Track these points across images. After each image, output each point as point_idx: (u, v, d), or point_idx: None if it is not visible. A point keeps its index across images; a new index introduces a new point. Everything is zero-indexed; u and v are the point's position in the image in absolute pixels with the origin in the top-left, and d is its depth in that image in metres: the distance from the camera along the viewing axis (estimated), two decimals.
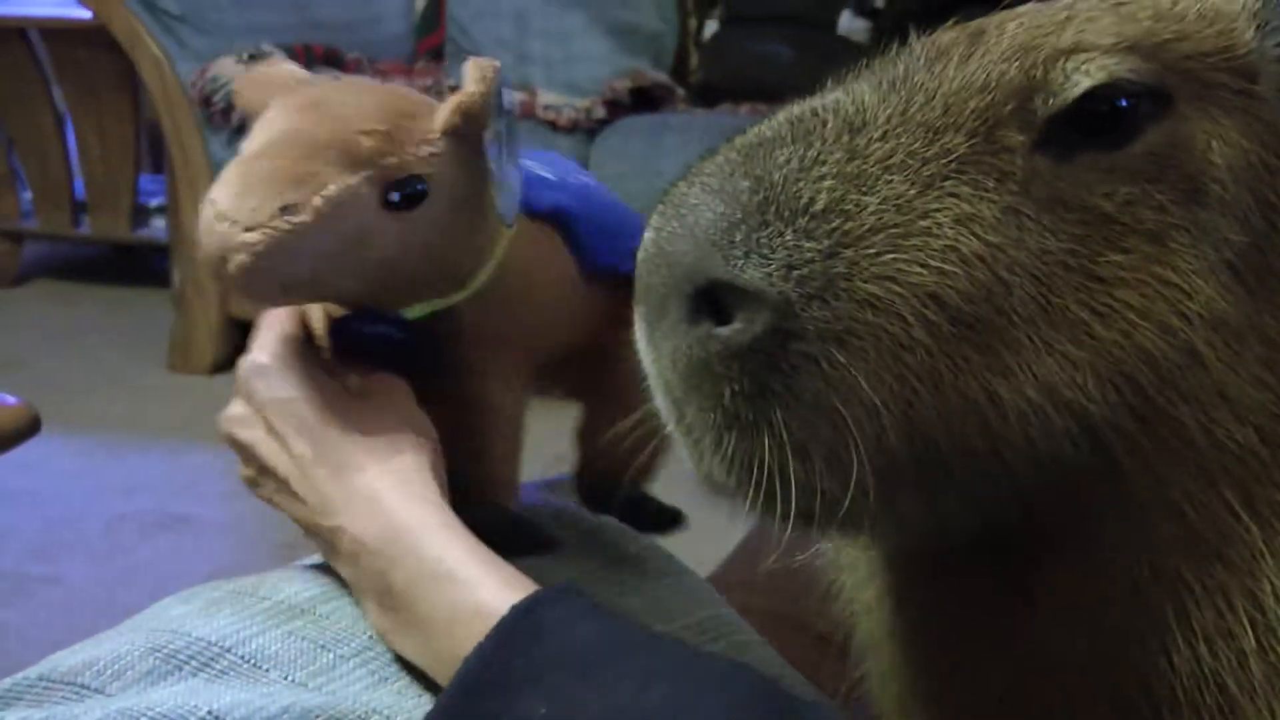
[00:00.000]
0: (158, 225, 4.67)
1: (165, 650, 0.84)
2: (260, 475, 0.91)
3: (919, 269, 0.63)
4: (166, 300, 4.10)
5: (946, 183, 0.64)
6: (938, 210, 0.64)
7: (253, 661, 0.84)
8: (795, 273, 0.62)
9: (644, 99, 3.73)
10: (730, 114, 3.70)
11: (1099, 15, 0.69)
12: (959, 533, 0.70)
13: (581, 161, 3.51)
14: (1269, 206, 0.67)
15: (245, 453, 0.92)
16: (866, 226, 0.63)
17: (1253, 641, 0.66)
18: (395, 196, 0.84)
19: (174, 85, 3.79)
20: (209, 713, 0.77)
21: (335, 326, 0.92)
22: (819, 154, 0.65)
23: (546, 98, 3.62)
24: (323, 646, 0.86)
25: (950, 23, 0.73)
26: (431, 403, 0.92)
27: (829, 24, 3.78)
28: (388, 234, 0.84)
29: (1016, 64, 0.67)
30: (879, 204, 0.64)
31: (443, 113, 0.86)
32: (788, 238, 0.63)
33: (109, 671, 0.83)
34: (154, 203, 4.70)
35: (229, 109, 3.69)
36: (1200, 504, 0.66)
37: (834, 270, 0.63)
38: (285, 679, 0.84)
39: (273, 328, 0.92)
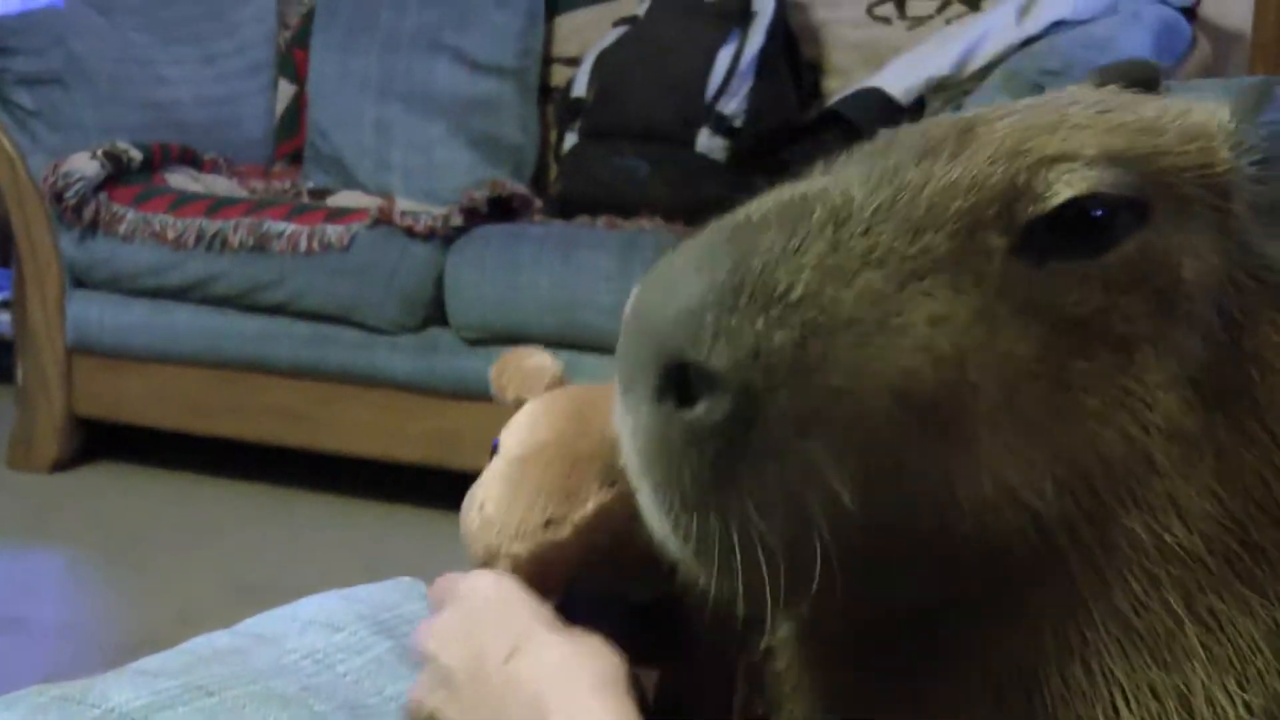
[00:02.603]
0: (2, 320, 4.54)
1: None
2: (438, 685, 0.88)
3: (888, 364, 0.63)
4: (9, 396, 3.99)
5: (924, 281, 0.65)
6: (913, 308, 0.64)
7: None
8: (761, 360, 0.62)
9: (502, 208, 3.75)
10: (587, 225, 3.73)
11: (1086, 124, 0.70)
12: (887, 607, 0.71)
13: (437, 268, 3.52)
14: (1232, 323, 0.68)
15: (433, 665, 0.88)
16: (840, 319, 0.63)
17: None
18: None
19: (25, 181, 3.72)
20: None
21: (562, 604, 0.94)
22: (801, 243, 0.65)
23: (404, 204, 3.62)
24: None
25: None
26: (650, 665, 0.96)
27: (687, 141, 3.81)
28: (640, 541, 0.90)
29: (1002, 168, 0.67)
30: (855, 298, 0.64)
31: None
32: (759, 325, 0.63)
33: None
34: None
35: (80, 205, 3.65)
36: (1145, 607, 0.66)
37: (802, 360, 0.63)
38: None
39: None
